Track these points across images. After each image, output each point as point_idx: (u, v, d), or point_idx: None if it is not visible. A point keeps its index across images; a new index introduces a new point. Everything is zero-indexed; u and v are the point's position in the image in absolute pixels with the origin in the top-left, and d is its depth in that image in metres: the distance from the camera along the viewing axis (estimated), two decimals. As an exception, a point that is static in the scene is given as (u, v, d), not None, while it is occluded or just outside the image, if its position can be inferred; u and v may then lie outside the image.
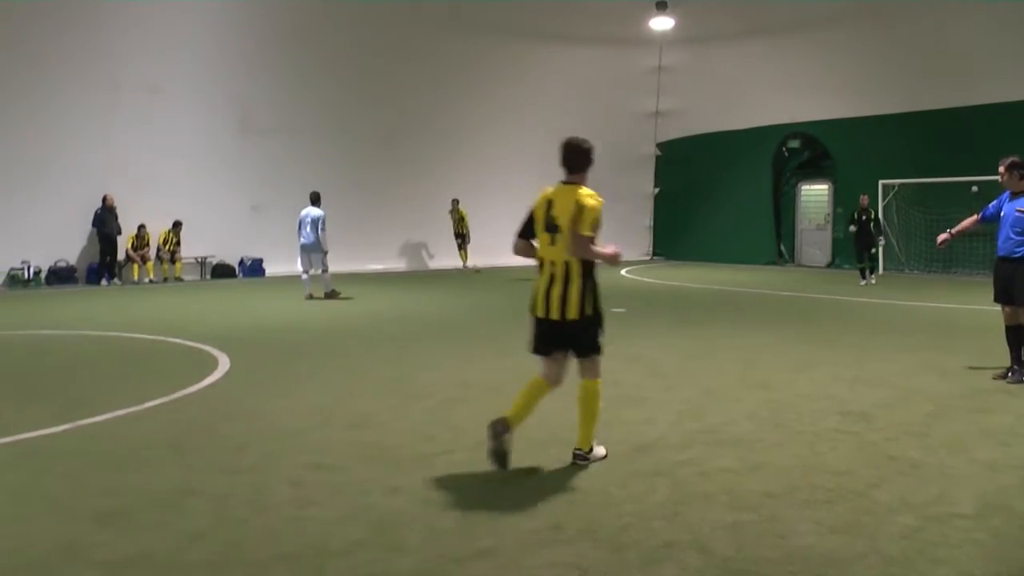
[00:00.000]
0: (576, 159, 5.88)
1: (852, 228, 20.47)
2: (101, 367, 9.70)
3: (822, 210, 27.37)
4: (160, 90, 21.04)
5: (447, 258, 25.52)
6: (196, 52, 21.51)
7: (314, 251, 16.73)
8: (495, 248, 26.66)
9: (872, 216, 20.43)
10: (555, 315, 5.67)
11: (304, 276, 16.97)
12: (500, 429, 5.54)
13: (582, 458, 5.80)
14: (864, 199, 20.62)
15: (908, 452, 6.05)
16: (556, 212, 5.66)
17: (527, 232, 5.89)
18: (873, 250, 20.51)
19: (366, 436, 6.53)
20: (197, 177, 21.56)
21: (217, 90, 22.11)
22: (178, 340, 11.37)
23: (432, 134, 25.92)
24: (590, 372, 5.88)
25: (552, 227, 5.67)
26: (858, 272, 20.67)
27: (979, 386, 8.36)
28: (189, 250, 21.98)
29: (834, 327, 12.92)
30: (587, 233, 5.54)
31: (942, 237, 9.38)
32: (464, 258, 25.17)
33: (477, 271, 24.28)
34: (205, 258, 22.39)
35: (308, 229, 16.54)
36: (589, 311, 5.74)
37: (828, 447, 6.19)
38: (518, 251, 6.02)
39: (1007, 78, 21.47)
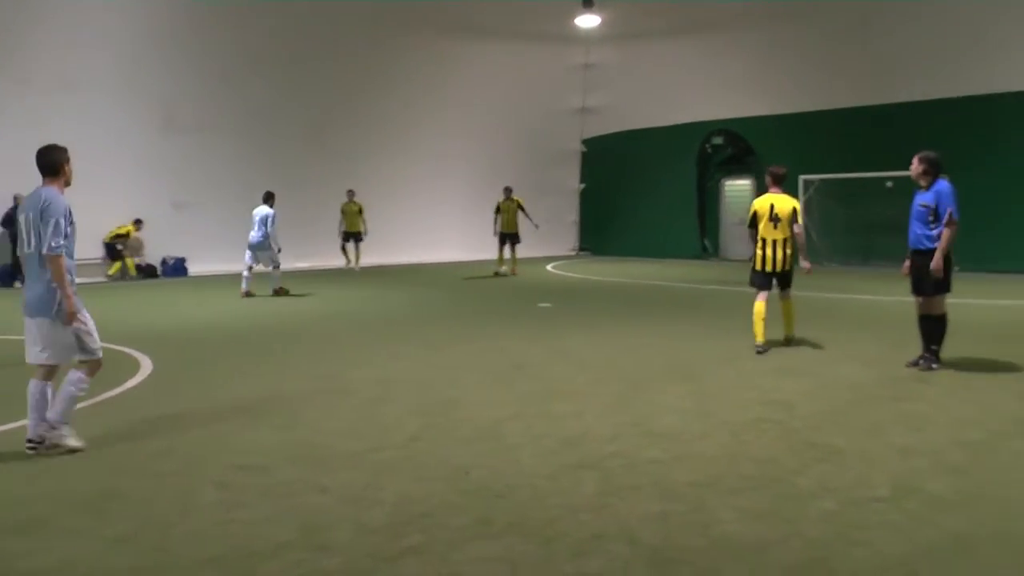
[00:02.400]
0: (781, 178, 10.29)
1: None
2: (12, 373, 9.37)
3: (745, 205, 27.82)
4: (74, 86, 20.43)
5: (375, 255, 24.89)
6: (114, 47, 20.90)
7: (260, 249, 16.76)
8: (426, 244, 26.75)
9: None
10: (780, 268, 10.01)
11: (245, 273, 16.80)
12: (761, 350, 9.86)
13: (792, 342, 10.34)
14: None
15: (829, 439, 6.22)
16: (778, 211, 9.96)
17: (754, 223, 10.07)
18: None
19: (293, 435, 6.47)
20: (117, 176, 20.99)
21: (137, 87, 21.53)
22: (98, 343, 11.08)
23: (358, 131, 25.64)
24: (789, 295, 10.34)
25: (776, 219, 9.95)
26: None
27: (896, 374, 8.64)
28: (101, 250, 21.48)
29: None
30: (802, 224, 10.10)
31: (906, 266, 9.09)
32: (357, 257, 23.10)
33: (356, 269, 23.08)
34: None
35: (256, 227, 16.72)
36: (793, 264, 10.09)
37: (752, 436, 6.33)
38: (753, 237, 10.16)
39: (923, 78, 22.12)
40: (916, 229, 8.71)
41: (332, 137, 25.21)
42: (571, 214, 32.03)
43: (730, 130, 27.42)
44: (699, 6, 24.64)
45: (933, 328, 8.81)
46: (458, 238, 27.04)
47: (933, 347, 8.80)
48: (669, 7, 25.06)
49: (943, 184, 8.60)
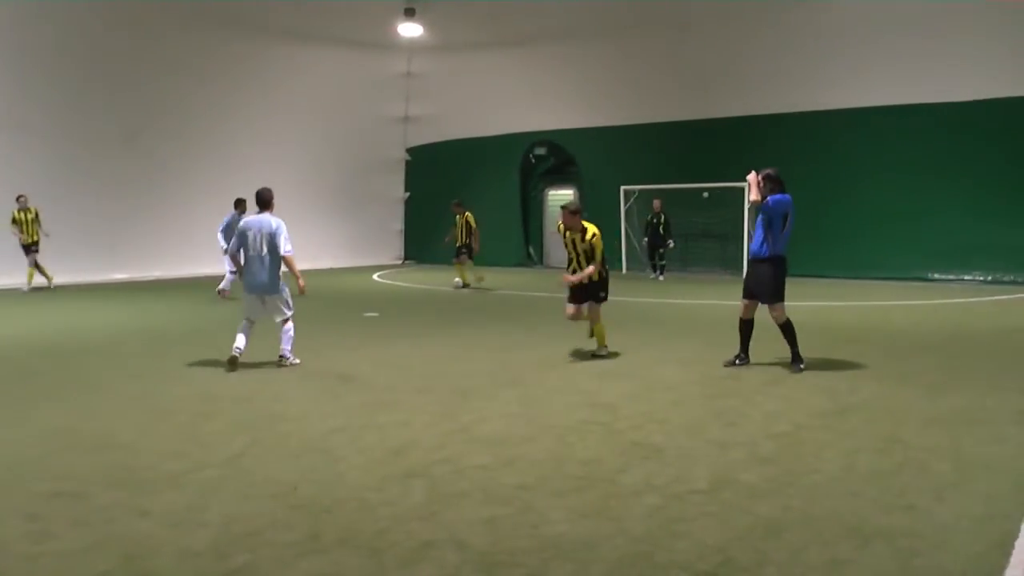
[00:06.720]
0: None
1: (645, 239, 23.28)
2: None
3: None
4: None
5: (197, 265, 23.91)
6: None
7: None
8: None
9: (663, 220, 22.61)
10: None
11: None
12: (601, 353, 10.32)
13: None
14: (656, 204, 22.89)
15: (651, 438, 6.47)
16: None
17: None
18: (661, 250, 22.67)
19: (111, 457, 6.14)
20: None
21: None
22: None
23: (173, 133, 24.46)
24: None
25: None
26: (649, 267, 23.16)
27: (712, 373, 9.09)
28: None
29: (581, 324, 13.49)
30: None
31: None
32: (30, 274, 19.78)
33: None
34: None
35: None
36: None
37: (578, 438, 6.49)
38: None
39: (735, 94, 23.34)
40: (756, 238, 9.21)
41: (146, 139, 23.90)
42: (396, 223, 31.91)
43: (552, 141, 28.04)
44: (521, 20, 25.07)
45: (785, 334, 9.25)
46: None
47: (793, 349, 9.26)
48: (491, 20, 25.40)
49: (773, 197, 9.05)
